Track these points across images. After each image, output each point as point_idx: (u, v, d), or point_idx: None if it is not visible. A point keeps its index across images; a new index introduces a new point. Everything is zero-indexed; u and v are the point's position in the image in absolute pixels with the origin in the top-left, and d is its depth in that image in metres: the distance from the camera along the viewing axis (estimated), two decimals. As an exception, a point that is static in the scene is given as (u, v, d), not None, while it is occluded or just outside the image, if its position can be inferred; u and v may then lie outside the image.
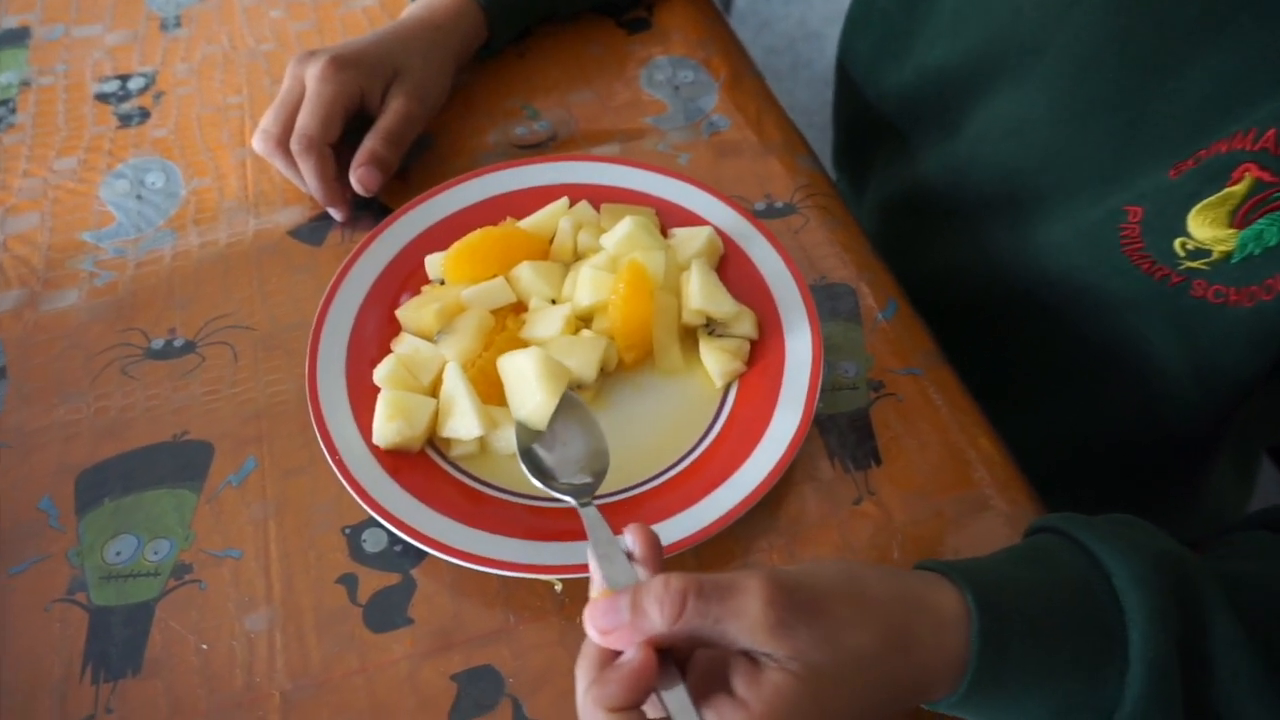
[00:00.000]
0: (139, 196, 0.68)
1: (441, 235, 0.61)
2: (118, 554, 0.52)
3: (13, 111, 0.73)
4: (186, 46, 0.78)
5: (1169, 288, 0.54)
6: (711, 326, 0.58)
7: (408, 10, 0.72)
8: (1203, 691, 0.40)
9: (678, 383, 0.57)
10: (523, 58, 0.77)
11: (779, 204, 0.67)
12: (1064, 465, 0.71)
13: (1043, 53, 0.56)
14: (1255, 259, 0.50)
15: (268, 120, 0.64)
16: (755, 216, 0.63)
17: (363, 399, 0.54)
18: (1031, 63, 0.57)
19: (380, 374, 0.54)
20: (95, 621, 0.50)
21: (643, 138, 0.71)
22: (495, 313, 0.58)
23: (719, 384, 0.57)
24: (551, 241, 0.61)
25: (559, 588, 0.50)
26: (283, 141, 0.64)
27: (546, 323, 0.56)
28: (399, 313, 0.58)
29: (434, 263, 0.60)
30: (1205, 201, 0.50)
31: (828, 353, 0.59)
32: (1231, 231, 0.50)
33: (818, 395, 0.54)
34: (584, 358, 0.55)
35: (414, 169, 0.69)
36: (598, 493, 0.52)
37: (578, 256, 0.61)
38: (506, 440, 0.53)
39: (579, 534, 0.50)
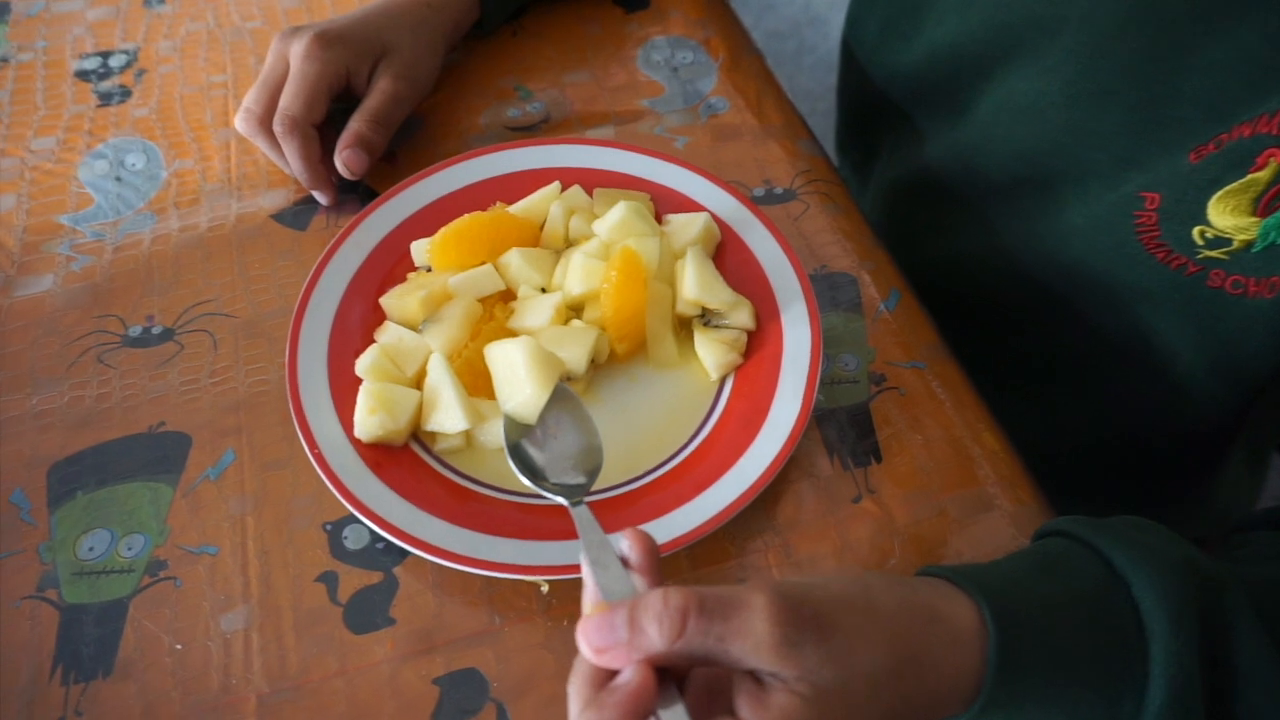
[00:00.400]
0: (118, 178, 0.66)
1: (429, 220, 0.59)
2: (91, 549, 0.50)
3: (-10, 89, 0.71)
4: (170, 23, 0.76)
5: (1185, 277, 0.52)
6: (707, 317, 0.56)
7: None
8: (1226, 704, 0.38)
9: (672, 375, 0.55)
10: (516, 36, 0.74)
11: (779, 190, 0.65)
12: (1072, 461, 0.69)
13: (1059, 29, 0.54)
14: (1277, 248, 0.48)
15: (250, 99, 0.62)
16: (754, 203, 0.61)
17: (345, 391, 0.52)
18: (1047, 40, 0.55)
19: (362, 365, 0.52)
20: (66, 620, 0.48)
21: (639, 120, 0.69)
22: (483, 301, 0.56)
23: (714, 377, 0.55)
24: (542, 227, 0.59)
25: (545, 589, 0.48)
26: (265, 122, 0.62)
27: (536, 312, 0.54)
28: (383, 300, 0.56)
29: (420, 249, 0.58)
30: (1227, 188, 0.48)
31: (828, 345, 0.57)
32: (1253, 220, 0.48)
33: (816, 389, 0.52)
34: (574, 349, 0.53)
35: (402, 151, 0.67)
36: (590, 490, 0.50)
37: (569, 243, 0.59)
38: (493, 434, 0.52)
39: (567, 533, 0.48)
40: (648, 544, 0.39)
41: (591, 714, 0.34)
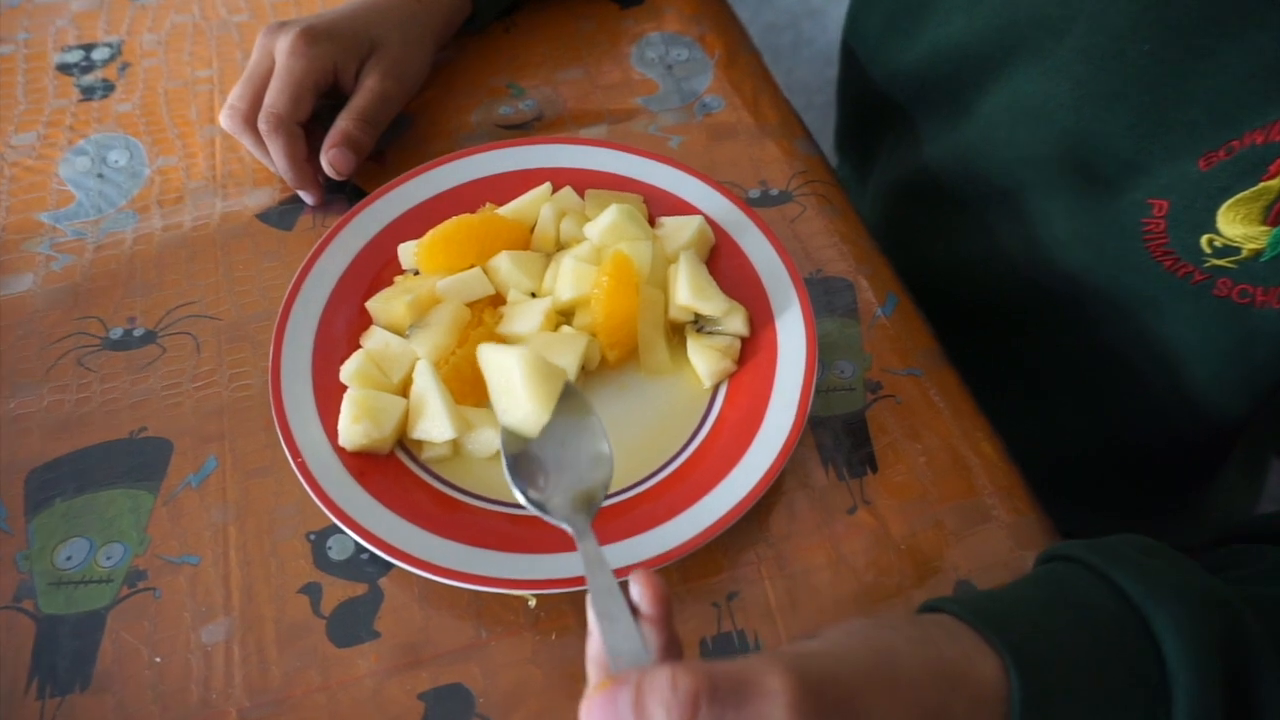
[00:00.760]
0: (100, 175, 0.64)
1: (417, 222, 0.58)
2: (69, 559, 0.49)
3: (-30, 83, 0.70)
4: (155, 15, 0.74)
5: (1191, 286, 0.51)
6: (700, 323, 0.55)
7: None
8: None
9: (664, 382, 0.54)
10: (509, 32, 0.73)
11: (774, 191, 0.64)
12: (1069, 467, 0.68)
13: (1067, 29, 0.52)
14: None
15: (235, 96, 0.61)
16: (749, 205, 0.59)
17: (329, 397, 0.51)
18: (1054, 40, 0.53)
19: (347, 371, 0.51)
20: (43, 631, 0.47)
21: (632, 119, 0.67)
22: (472, 306, 0.54)
23: (707, 384, 0.54)
24: (533, 230, 0.58)
25: (533, 603, 0.47)
26: (250, 119, 0.60)
27: (526, 317, 0.53)
28: (370, 304, 0.55)
29: (408, 251, 0.57)
30: (1237, 196, 0.47)
31: (823, 351, 0.56)
32: (1263, 229, 0.47)
33: (811, 397, 0.51)
34: (565, 355, 0.51)
35: (390, 150, 0.65)
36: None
37: (560, 246, 0.57)
38: (482, 443, 0.51)
39: (556, 546, 0.47)
40: (661, 591, 0.36)
41: None
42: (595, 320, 0.53)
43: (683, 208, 0.59)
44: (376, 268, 0.57)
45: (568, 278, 0.54)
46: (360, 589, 0.48)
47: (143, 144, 0.66)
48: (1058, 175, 0.57)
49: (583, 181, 0.60)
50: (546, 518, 0.43)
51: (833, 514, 0.51)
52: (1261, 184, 0.46)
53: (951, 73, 0.62)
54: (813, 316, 0.54)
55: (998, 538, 0.51)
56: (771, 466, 0.49)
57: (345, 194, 0.63)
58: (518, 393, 0.47)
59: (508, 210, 0.58)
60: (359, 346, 0.53)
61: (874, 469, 0.52)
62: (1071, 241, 0.57)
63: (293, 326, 0.53)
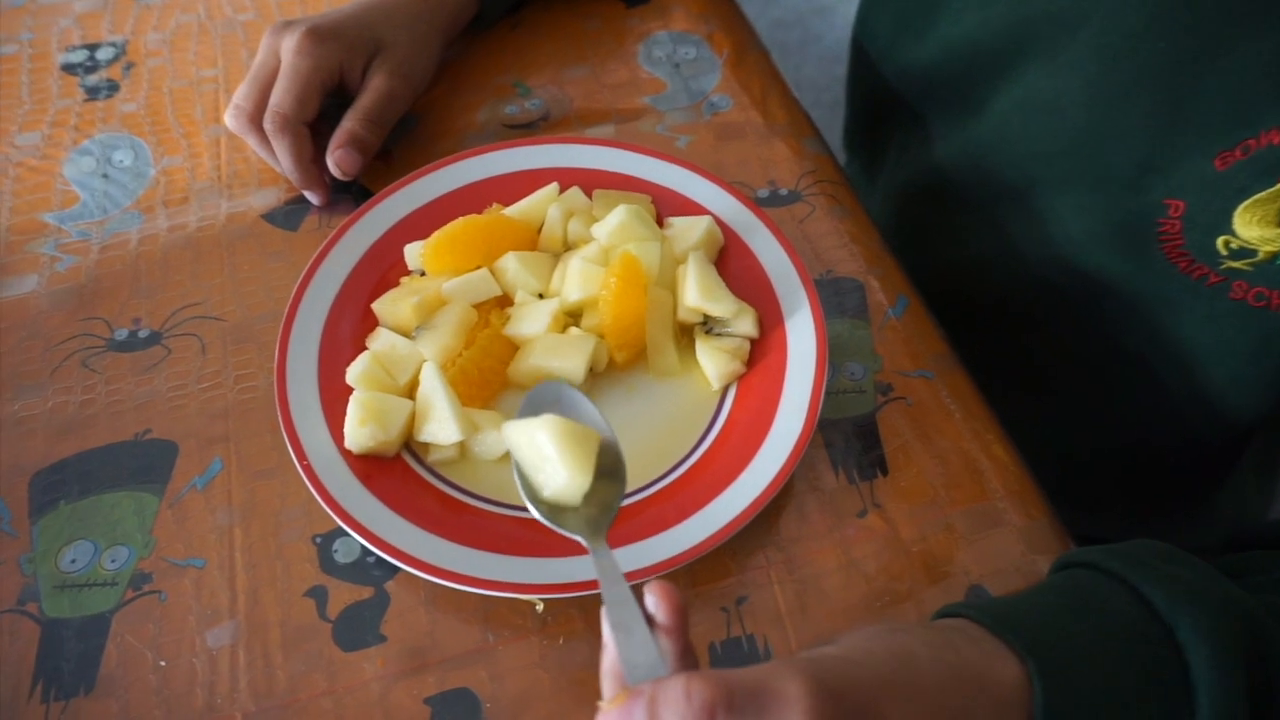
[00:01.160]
0: (105, 175, 0.64)
1: (423, 222, 0.58)
2: (73, 561, 0.49)
3: (-26, 83, 0.70)
4: (159, 14, 0.74)
5: (1206, 288, 0.51)
6: (709, 325, 0.54)
7: None
8: None
9: (672, 385, 0.54)
10: (515, 30, 0.73)
11: (783, 191, 0.63)
12: (1081, 470, 0.68)
13: (1081, 25, 0.51)
14: None
15: (240, 95, 0.60)
16: (758, 205, 0.59)
17: (335, 399, 0.51)
18: (1068, 36, 0.52)
19: (353, 373, 0.51)
20: (47, 635, 0.47)
21: (640, 118, 0.67)
22: (478, 307, 0.54)
23: (716, 386, 0.53)
24: (540, 230, 0.57)
25: (540, 608, 0.47)
26: (256, 119, 0.60)
27: (533, 319, 0.53)
28: (375, 306, 0.54)
29: (414, 252, 0.56)
30: (1255, 198, 0.46)
31: (833, 353, 0.55)
32: (1279, 231, 0.46)
33: (821, 399, 0.51)
34: (572, 357, 0.51)
35: (397, 149, 0.65)
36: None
37: (567, 247, 0.57)
38: (488, 446, 0.50)
39: (564, 550, 0.46)
40: (677, 601, 0.35)
41: None
42: (603, 322, 0.52)
43: (691, 208, 0.59)
44: (383, 269, 0.56)
45: (575, 279, 0.53)
46: (366, 592, 0.48)
47: (147, 144, 0.66)
48: (1071, 173, 0.56)
49: (590, 181, 0.60)
50: (562, 531, 0.42)
51: (843, 517, 0.50)
52: (1278, 185, 0.45)
53: (964, 69, 0.61)
54: (823, 318, 0.53)
55: (1010, 542, 0.50)
56: (781, 469, 0.49)
57: (351, 194, 0.63)
58: (554, 463, 0.43)
59: (515, 211, 0.57)
60: (365, 348, 0.53)
61: (885, 472, 0.52)
62: (1085, 241, 0.57)
63: (298, 328, 0.53)
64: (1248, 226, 0.47)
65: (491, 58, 0.71)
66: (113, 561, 0.49)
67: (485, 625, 0.47)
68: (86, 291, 0.58)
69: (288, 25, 0.61)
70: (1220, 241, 0.49)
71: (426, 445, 0.51)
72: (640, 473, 0.50)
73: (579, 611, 0.47)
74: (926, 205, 0.71)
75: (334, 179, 0.61)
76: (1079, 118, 0.54)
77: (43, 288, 0.59)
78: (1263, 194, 0.46)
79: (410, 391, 0.51)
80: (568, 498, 0.43)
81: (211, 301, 0.58)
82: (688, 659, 0.35)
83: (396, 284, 0.56)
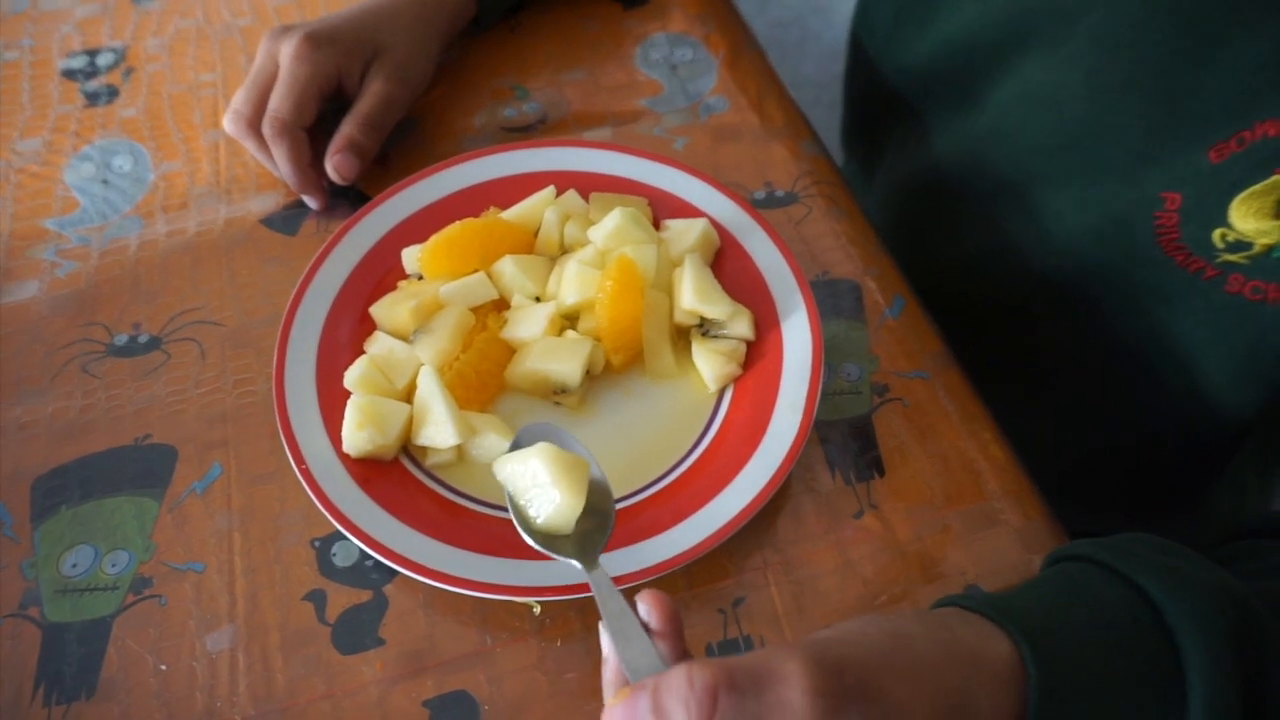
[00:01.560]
0: (105, 181, 0.64)
1: (421, 226, 0.58)
2: (74, 566, 0.49)
3: (-25, 89, 0.70)
4: (159, 20, 0.74)
5: (1203, 281, 0.51)
6: (705, 327, 0.54)
7: None
8: None
9: (669, 387, 0.54)
10: (513, 33, 0.73)
11: (780, 193, 0.63)
12: (1078, 466, 0.68)
13: (1081, 16, 0.52)
14: None
15: (239, 100, 0.61)
16: (754, 207, 0.59)
17: (333, 403, 0.51)
18: (1067, 28, 0.53)
19: (351, 377, 0.51)
20: (48, 639, 0.47)
21: (637, 121, 0.67)
22: (475, 310, 0.54)
23: (713, 388, 0.53)
24: (537, 234, 0.57)
25: (537, 610, 0.47)
26: (254, 123, 0.60)
27: (530, 322, 0.53)
28: (373, 310, 0.55)
29: (411, 256, 0.56)
30: (1250, 190, 0.46)
31: (829, 354, 0.55)
32: (1275, 224, 0.46)
33: (817, 400, 0.51)
34: (569, 361, 0.51)
35: (395, 153, 0.65)
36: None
37: (564, 250, 0.57)
38: (485, 449, 0.50)
39: (560, 552, 0.47)
40: (668, 607, 0.36)
41: None
42: (600, 325, 0.52)
43: (687, 210, 0.59)
44: (381, 272, 0.57)
45: (572, 282, 0.53)
46: (365, 596, 0.48)
47: (147, 149, 0.66)
48: (1068, 167, 0.56)
49: (587, 184, 0.60)
50: (556, 557, 0.44)
51: (839, 518, 0.51)
52: (1274, 177, 0.45)
53: (963, 63, 0.61)
54: (819, 319, 0.53)
55: (1006, 542, 0.50)
56: (778, 471, 0.49)
57: (349, 198, 0.63)
58: (547, 488, 0.45)
59: (511, 214, 0.58)
60: (363, 352, 0.53)
61: (881, 473, 0.52)
62: (1083, 235, 0.57)
63: (297, 332, 0.53)
64: (1244, 219, 0.47)
65: (489, 61, 0.71)
66: (113, 566, 0.49)
67: (483, 628, 0.47)
68: (86, 297, 0.59)
69: (285, 30, 0.61)
70: (1217, 234, 0.49)
71: (424, 449, 0.51)
72: (637, 475, 0.51)
73: (576, 614, 0.47)
74: (924, 201, 0.71)
75: (332, 183, 0.62)
76: (1077, 110, 0.54)
77: (43, 293, 0.59)
78: (1258, 186, 0.46)
79: (408, 395, 0.51)
80: (560, 523, 0.44)
81: (210, 306, 0.58)
82: (686, 659, 0.36)
83: (394, 288, 0.56)
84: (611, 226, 0.54)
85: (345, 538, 0.49)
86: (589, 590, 0.45)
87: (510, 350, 0.53)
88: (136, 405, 0.54)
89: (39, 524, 0.51)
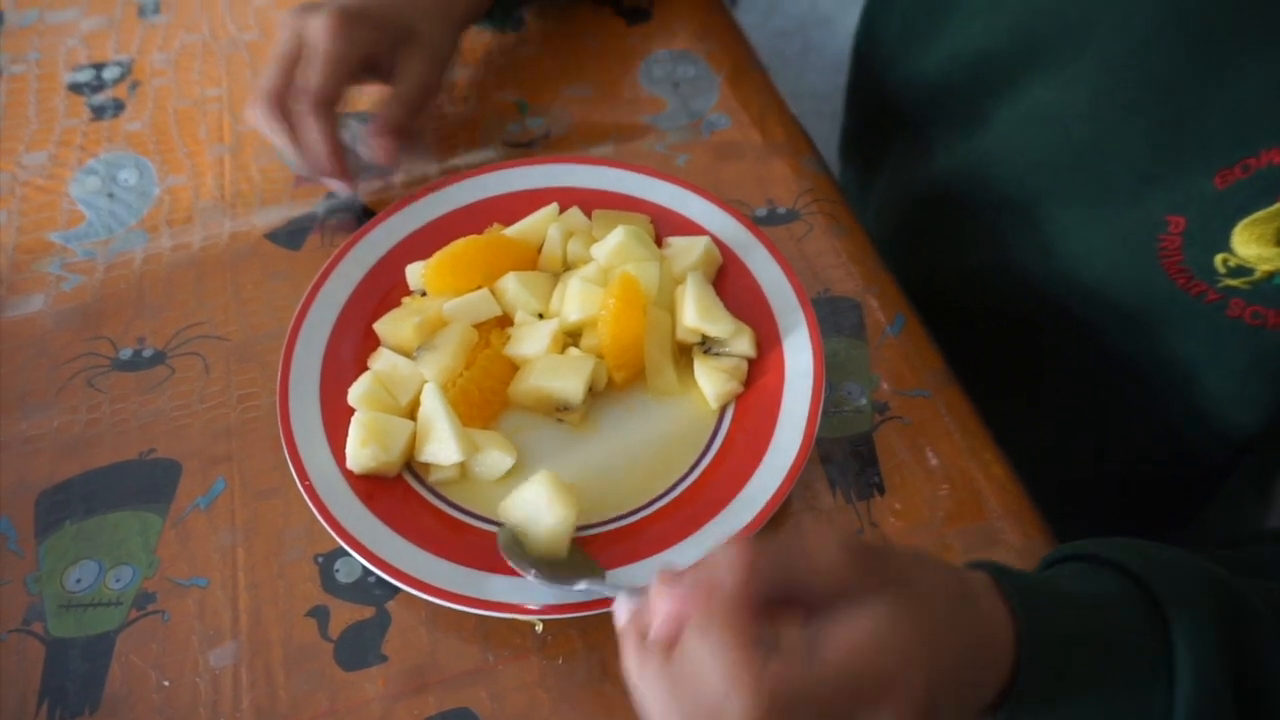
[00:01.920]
0: (110, 194, 0.65)
1: (425, 242, 0.58)
2: (78, 581, 0.49)
3: (-18, 102, 0.70)
4: (165, 34, 0.74)
5: (1204, 305, 0.51)
6: (707, 344, 0.54)
7: None
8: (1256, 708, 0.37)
9: (671, 404, 0.54)
10: (518, 48, 0.73)
11: (781, 210, 0.64)
12: (1077, 482, 0.68)
13: (1089, 37, 0.52)
14: None
15: (268, 78, 0.57)
16: (756, 224, 0.59)
17: (337, 419, 0.51)
18: (1074, 48, 0.53)
19: (355, 394, 0.51)
20: (52, 654, 0.47)
21: (640, 137, 0.67)
22: (479, 327, 0.54)
23: (714, 406, 0.53)
24: (540, 250, 0.58)
25: (539, 628, 0.47)
26: (282, 102, 0.57)
27: (533, 339, 0.53)
28: (377, 326, 0.55)
29: (415, 272, 0.57)
30: (1253, 216, 0.47)
31: (830, 372, 0.56)
32: (1277, 250, 0.47)
33: (819, 419, 0.51)
34: (571, 378, 0.51)
35: (398, 168, 0.65)
36: (584, 522, 0.49)
37: (567, 266, 0.57)
38: (488, 465, 0.51)
39: (562, 570, 0.47)
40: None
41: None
42: (602, 342, 0.53)
43: (689, 227, 0.59)
44: (385, 289, 0.57)
45: (575, 299, 0.54)
46: (368, 612, 0.48)
47: (152, 163, 0.66)
48: (1073, 186, 0.56)
49: (590, 201, 0.60)
50: (563, 586, 0.45)
51: (840, 537, 0.51)
52: (1277, 205, 0.46)
53: (970, 78, 0.62)
54: (820, 337, 0.54)
55: (1007, 561, 0.49)
56: (779, 489, 0.49)
57: (354, 213, 0.63)
58: (543, 510, 0.47)
59: (515, 231, 0.58)
60: (367, 368, 0.53)
61: (882, 491, 0.52)
62: (1086, 254, 0.57)
63: (301, 348, 0.54)
64: (1246, 245, 0.48)
65: (493, 76, 0.71)
66: (117, 581, 0.49)
67: (485, 645, 0.47)
68: (92, 311, 0.59)
69: (312, 8, 0.58)
70: (1219, 259, 0.49)
71: (427, 465, 0.51)
72: (639, 492, 0.51)
73: (578, 632, 0.48)
74: (926, 214, 0.71)
75: (332, 198, 0.62)
76: (1082, 131, 0.54)
77: (49, 307, 0.59)
78: (1261, 213, 0.46)
79: (411, 412, 0.52)
80: (556, 541, 0.46)
81: (215, 321, 0.59)
82: None
83: (398, 304, 0.56)
84: (614, 244, 0.55)
85: (348, 554, 0.49)
86: (592, 609, 0.45)
87: (513, 367, 0.54)
88: (141, 420, 0.55)
89: (43, 539, 0.51)
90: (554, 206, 0.59)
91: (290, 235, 0.62)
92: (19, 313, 0.59)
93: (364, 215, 0.62)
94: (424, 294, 0.56)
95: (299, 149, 0.59)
